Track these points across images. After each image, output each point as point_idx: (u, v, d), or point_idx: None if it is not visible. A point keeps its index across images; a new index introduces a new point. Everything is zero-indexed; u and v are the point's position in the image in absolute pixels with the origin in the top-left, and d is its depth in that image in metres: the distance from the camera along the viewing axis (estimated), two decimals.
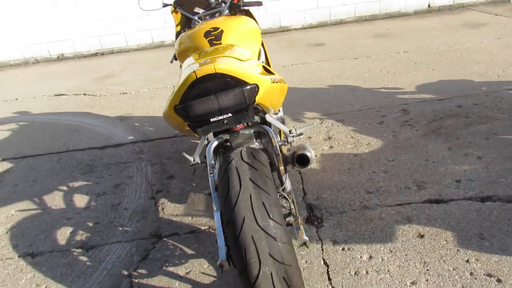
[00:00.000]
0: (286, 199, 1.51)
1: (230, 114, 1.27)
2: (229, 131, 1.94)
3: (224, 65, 1.19)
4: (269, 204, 1.29)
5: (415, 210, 2.05)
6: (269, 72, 1.48)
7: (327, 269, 1.77)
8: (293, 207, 1.51)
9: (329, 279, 1.72)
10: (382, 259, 1.79)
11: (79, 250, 2.11)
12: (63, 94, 4.82)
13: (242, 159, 1.39)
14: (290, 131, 1.84)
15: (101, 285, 1.85)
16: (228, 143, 1.97)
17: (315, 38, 5.95)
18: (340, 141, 2.85)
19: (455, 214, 1.99)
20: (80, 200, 2.56)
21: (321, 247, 1.90)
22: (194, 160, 1.78)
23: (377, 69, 4.22)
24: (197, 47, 2.04)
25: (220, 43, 1.99)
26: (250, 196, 1.29)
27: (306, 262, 1.83)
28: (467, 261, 1.71)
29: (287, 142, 1.82)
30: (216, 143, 1.94)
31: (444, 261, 1.73)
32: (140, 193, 2.56)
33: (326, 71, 4.37)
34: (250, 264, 1.25)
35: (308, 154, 1.64)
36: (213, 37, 2.02)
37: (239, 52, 1.40)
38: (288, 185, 1.71)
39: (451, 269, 1.69)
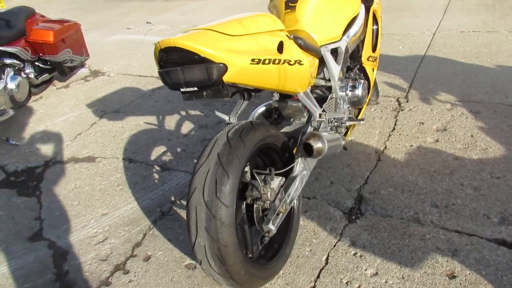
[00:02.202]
0: (264, 183, 1.46)
1: (195, 88, 1.28)
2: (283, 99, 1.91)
3: (185, 40, 1.18)
4: (221, 183, 1.30)
5: (471, 246, 1.65)
6: (280, 50, 1.37)
7: (323, 267, 1.67)
8: (267, 192, 1.45)
9: (318, 276, 1.63)
10: (386, 281, 1.56)
11: (158, 168, 2.52)
12: None
13: (227, 132, 1.40)
14: (320, 115, 1.69)
15: (152, 201, 2.22)
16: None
17: None
18: (453, 136, 2.37)
19: None
20: (186, 127, 2.96)
21: (336, 243, 1.77)
22: (229, 120, 1.84)
23: None
24: (276, 7, 1.98)
25: (295, 6, 1.88)
26: (208, 170, 1.32)
27: (310, 251, 1.75)
28: None
29: (310, 126, 1.68)
30: (263, 109, 1.96)
31: None
32: None
33: (509, 46, 3.48)
34: (190, 230, 1.33)
35: (315, 145, 1.51)
36: None
37: (238, 26, 1.33)
38: (297, 169, 1.63)
39: None
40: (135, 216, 2.12)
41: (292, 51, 1.42)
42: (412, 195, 1.97)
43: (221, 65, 1.19)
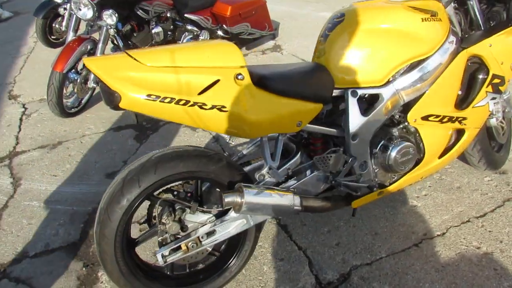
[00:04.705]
0: (169, 213, 1.42)
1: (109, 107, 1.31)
2: None
3: (91, 62, 1.20)
4: (116, 198, 1.37)
5: None
6: (204, 91, 1.25)
7: None
8: (166, 223, 1.41)
9: None
10: None
11: None
12: None
13: (154, 154, 1.43)
14: (269, 168, 1.45)
15: None
16: None
17: None
18: None
19: None
20: None
21: None
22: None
23: None
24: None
25: (328, 36, 1.59)
26: (116, 181, 1.41)
27: None
28: None
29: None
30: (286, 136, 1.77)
31: None
32: None
33: None
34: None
35: (226, 199, 1.36)
36: (330, 25, 1.62)
37: (166, 55, 1.24)
38: (232, 214, 1.49)
39: None
40: None
41: (219, 94, 1.27)
42: None
43: (116, 93, 1.22)
